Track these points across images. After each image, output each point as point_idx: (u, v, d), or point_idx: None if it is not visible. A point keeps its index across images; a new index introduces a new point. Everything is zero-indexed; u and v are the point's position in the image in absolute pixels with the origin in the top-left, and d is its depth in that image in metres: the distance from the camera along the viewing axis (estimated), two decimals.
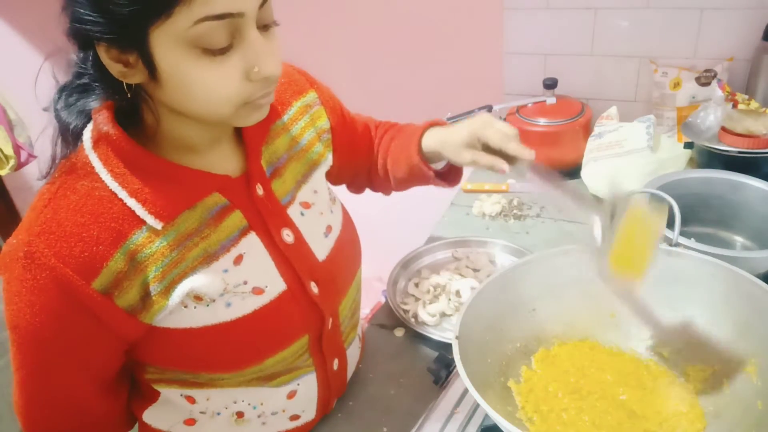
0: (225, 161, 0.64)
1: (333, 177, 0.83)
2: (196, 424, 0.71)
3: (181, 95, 0.53)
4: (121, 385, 0.69)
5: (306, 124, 0.73)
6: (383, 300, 1.00)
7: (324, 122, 0.76)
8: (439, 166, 0.83)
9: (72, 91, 0.58)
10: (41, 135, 0.59)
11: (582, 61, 1.40)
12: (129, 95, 0.55)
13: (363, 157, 0.88)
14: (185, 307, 0.59)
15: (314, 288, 0.68)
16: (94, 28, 0.49)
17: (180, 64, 0.50)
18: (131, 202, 0.56)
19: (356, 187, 0.95)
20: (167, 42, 0.49)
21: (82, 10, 0.49)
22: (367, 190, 0.96)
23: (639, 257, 0.63)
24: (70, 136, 0.58)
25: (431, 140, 0.80)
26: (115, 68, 0.52)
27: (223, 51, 0.51)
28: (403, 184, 0.87)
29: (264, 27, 0.54)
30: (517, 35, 1.44)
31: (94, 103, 0.58)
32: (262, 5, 0.52)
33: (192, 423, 0.71)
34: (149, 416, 0.71)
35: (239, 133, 0.66)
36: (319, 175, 0.74)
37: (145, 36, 0.49)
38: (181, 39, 0.49)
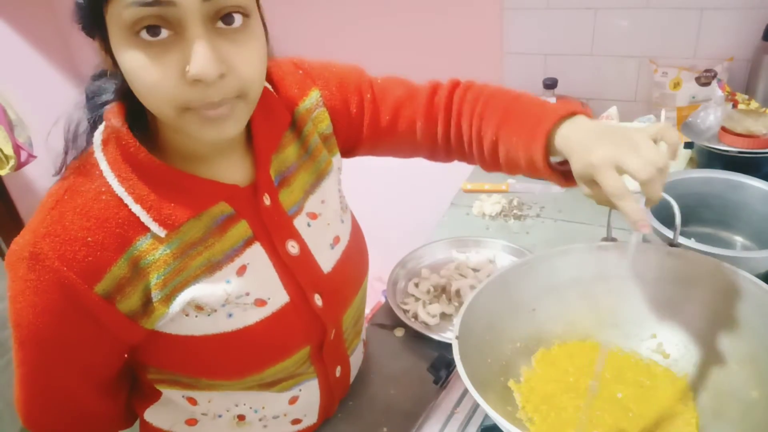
0: (233, 170, 0.63)
1: (381, 154, 0.78)
2: (197, 425, 0.71)
3: (133, 89, 0.52)
4: (121, 385, 0.69)
5: (310, 130, 0.70)
6: (383, 300, 1.00)
7: (326, 126, 0.72)
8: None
9: (100, 78, 0.60)
10: (52, 128, 0.59)
11: (582, 61, 1.41)
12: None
13: (404, 135, 0.75)
14: (186, 315, 0.59)
15: (318, 300, 0.67)
16: (76, 14, 0.51)
17: (123, 53, 0.49)
18: (136, 209, 0.55)
19: (436, 158, 0.79)
20: (113, 26, 0.49)
21: None
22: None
23: None
24: (87, 130, 0.59)
25: (562, 141, 0.61)
26: (102, 58, 0.53)
27: (162, 45, 0.48)
28: (516, 169, 0.70)
29: (226, 19, 0.49)
30: (517, 35, 1.44)
31: (107, 96, 0.59)
32: None
33: (193, 423, 0.71)
34: (150, 415, 0.71)
35: (249, 142, 0.65)
36: (328, 184, 0.72)
37: (102, 21, 0.50)
38: (120, 24, 0.48)
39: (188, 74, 0.48)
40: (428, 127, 0.74)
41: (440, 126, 0.74)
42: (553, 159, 0.64)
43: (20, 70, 1.89)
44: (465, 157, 0.76)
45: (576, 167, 0.58)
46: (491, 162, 0.72)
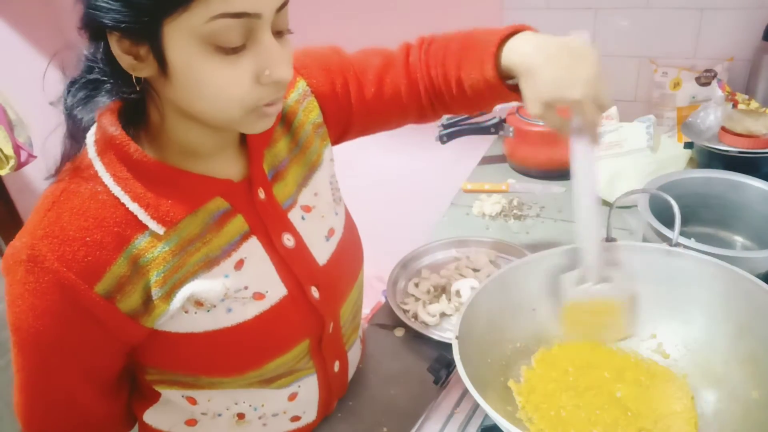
0: (227, 165, 0.63)
1: (373, 130, 0.80)
2: (197, 425, 0.71)
3: (189, 93, 0.52)
4: (121, 387, 0.69)
5: (301, 122, 0.71)
6: (383, 300, 1.00)
7: (317, 116, 0.73)
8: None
9: (82, 85, 0.58)
10: (51, 133, 0.59)
11: None
12: (139, 90, 0.54)
13: (391, 101, 0.77)
14: (186, 312, 0.59)
15: (315, 293, 0.68)
16: (108, 16, 0.48)
17: (191, 60, 0.50)
18: (134, 207, 0.55)
19: (422, 118, 0.82)
20: (181, 36, 0.49)
21: None
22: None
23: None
24: (78, 133, 0.58)
25: (520, 58, 0.65)
26: (125, 60, 0.51)
27: (235, 51, 0.50)
28: (470, 105, 0.76)
29: (278, 33, 0.54)
30: None
31: (103, 98, 0.57)
32: (279, 9, 0.52)
33: (193, 423, 0.71)
34: (150, 417, 0.71)
35: (242, 137, 0.66)
36: (320, 176, 0.73)
37: (158, 28, 0.48)
38: (195, 34, 0.48)
39: (270, 77, 0.52)
40: (411, 88, 0.77)
41: (421, 84, 0.76)
42: (512, 82, 0.68)
43: (20, 71, 1.89)
44: (447, 107, 0.78)
45: (546, 96, 0.62)
46: (463, 100, 0.75)
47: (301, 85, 0.72)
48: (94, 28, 0.51)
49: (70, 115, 0.58)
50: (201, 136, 0.59)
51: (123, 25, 0.48)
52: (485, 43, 0.68)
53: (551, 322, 0.73)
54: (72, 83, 0.58)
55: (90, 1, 0.49)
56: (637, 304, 0.71)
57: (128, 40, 0.50)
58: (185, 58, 0.50)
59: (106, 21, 0.49)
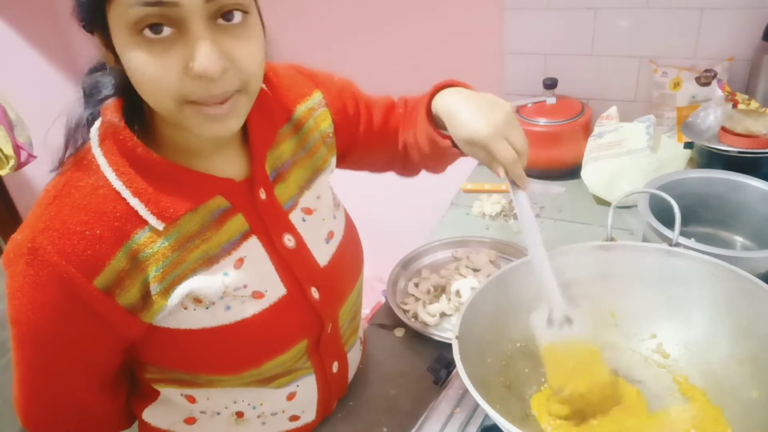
0: (229, 164, 0.64)
1: (363, 165, 0.85)
2: (195, 423, 0.71)
3: (134, 84, 0.53)
4: (120, 384, 0.69)
5: (310, 128, 0.72)
6: (383, 300, 1.00)
7: (328, 126, 0.75)
8: None
9: (90, 80, 0.60)
10: (50, 128, 0.59)
11: (582, 61, 1.41)
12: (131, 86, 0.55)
13: (390, 143, 0.83)
14: (185, 308, 0.59)
15: (315, 293, 0.68)
16: (77, 11, 0.52)
17: (125, 49, 0.50)
18: (134, 202, 0.56)
19: (405, 170, 0.88)
20: (116, 25, 0.50)
21: None
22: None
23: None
24: (82, 127, 0.59)
25: (441, 104, 0.72)
26: (102, 53, 0.54)
27: (165, 41, 0.49)
28: (431, 160, 0.81)
29: (226, 16, 0.51)
30: (517, 35, 1.44)
31: (106, 90, 0.59)
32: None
33: (192, 422, 0.71)
34: (149, 415, 0.71)
35: (245, 137, 0.66)
36: (323, 180, 0.73)
37: (104, 18, 0.50)
38: (124, 23, 0.49)
39: (193, 70, 0.49)
40: (405, 137, 0.82)
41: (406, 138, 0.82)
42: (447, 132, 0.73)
43: (20, 70, 1.89)
44: (416, 165, 0.85)
45: (464, 134, 0.68)
46: (423, 157, 0.80)
47: (317, 95, 0.74)
48: (82, 24, 0.54)
49: (84, 103, 0.60)
50: (186, 133, 0.58)
51: (82, 17, 0.52)
52: (424, 98, 0.76)
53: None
54: (92, 70, 0.61)
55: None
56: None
57: (97, 33, 0.53)
58: (122, 47, 0.51)
59: (78, 16, 0.52)
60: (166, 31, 0.49)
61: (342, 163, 0.81)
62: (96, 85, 0.60)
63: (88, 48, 0.57)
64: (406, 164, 0.86)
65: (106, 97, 0.59)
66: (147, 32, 0.49)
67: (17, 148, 1.63)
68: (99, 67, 0.60)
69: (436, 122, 0.75)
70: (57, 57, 1.98)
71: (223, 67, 0.50)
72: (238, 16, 0.51)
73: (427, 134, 0.75)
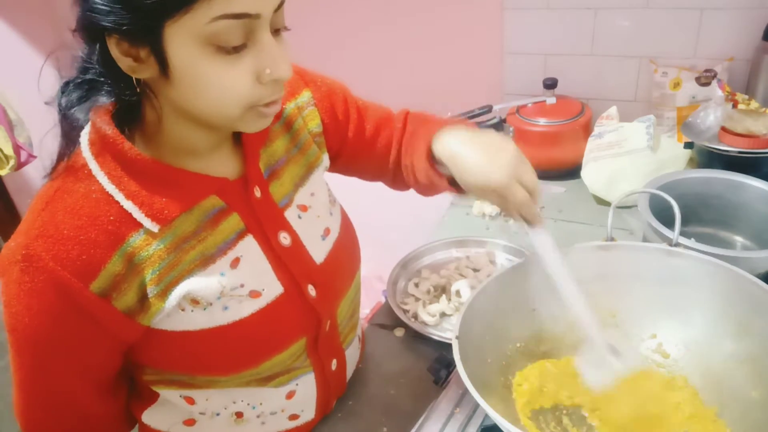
0: (223, 163, 0.64)
1: (352, 172, 0.84)
2: (195, 425, 0.71)
3: (191, 93, 0.52)
4: (120, 387, 0.68)
5: (300, 126, 0.73)
6: (383, 300, 1.00)
7: (316, 125, 0.74)
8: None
9: (77, 86, 0.57)
10: (48, 133, 0.58)
11: (582, 61, 1.40)
12: (138, 91, 0.54)
13: (380, 154, 0.82)
14: (182, 310, 0.59)
15: (312, 291, 0.68)
16: (107, 18, 0.48)
17: (193, 61, 0.50)
18: (128, 205, 0.55)
19: (395, 185, 0.87)
20: (182, 37, 0.49)
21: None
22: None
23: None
24: (73, 133, 0.58)
25: (444, 148, 0.70)
26: (124, 62, 0.51)
27: (236, 50, 0.51)
28: (425, 190, 0.81)
29: (275, 31, 0.54)
30: (517, 35, 1.44)
31: (103, 98, 0.57)
32: (277, 9, 0.52)
33: (191, 423, 0.71)
34: (148, 417, 0.71)
35: (238, 136, 0.66)
36: (317, 177, 0.74)
37: (160, 29, 0.48)
38: (197, 35, 0.48)
39: (270, 76, 0.53)
40: (396, 152, 0.81)
41: (400, 154, 0.81)
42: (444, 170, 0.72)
43: (20, 71, 1.89)
44: (407, 185, 0.83)
45: (476, 182, 0.66)
46: (413, 184, 0.80)
47: (306, 94, 0.74)
48: (91, 30, 0.51)
49: (64, 115, 0.58)
50: (197, 134, 0.59)
51: (124, 27, 0.48)
52: (426, 133, 0.74)
53: (551, 322, 0.73)
54: (66, 84, 0.58)
55: (89, 3, 0.49)
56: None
57: (127, 42, 0.50)
58: (187, 58, 0.50)
59: (106, 23, 0.48)
60: (240, 41, 0.50)
61: (334, 164, 0.81)
62: (84, 92, 0.58)
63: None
64: (396, 180, 0.85)
65: (96, 101, 0.58)
66: (222, 43, 0.49)
67: (17, 148, 1.64)
68: (81, 73, 0.57)
69: (436, 160, 0.73)
70: (57, 57, 1.98)
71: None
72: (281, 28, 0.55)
73: (427, 175, 0.73)
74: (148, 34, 0.49)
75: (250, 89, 0.53)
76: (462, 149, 0.68)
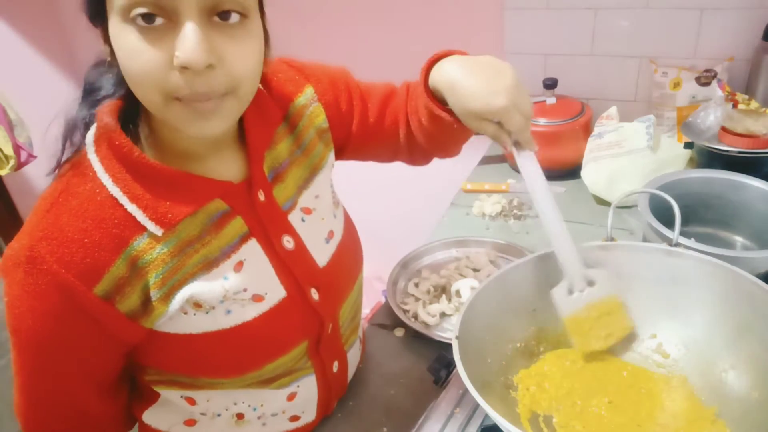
0: (227, 167, 0.63)
1: (366, 157, 0.83)
2: (196, 425, 0.71)
3: (125, 76, 0.52)
4: (121, 387, 0.69)
5: (305, 125, 0.72)
6: (383, 300, 1.00)
7: (322, 121, 0.73)
8: None
9: (98, 72, 0.60)
10: (48, 129, 0.59)
11: (582, 61, 1.41)
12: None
13: (390, 132, 0.80)
14: (185, 313, 0.59)
15: (314, 294, 0.67)
16: (84, 3, 0.52)
17: (118, 39, 0.50)
18: (132, 208, 0.55)
19: (413, 158, 0.85)
20: (114, 16, 0.50)
21: None
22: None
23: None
24: (78, 132, 0.58)
25: (442, 77, 0.68)
26: (104, 50, 0.53)
27: (156, 31, 0.48)
28: (437, 141, 0.77)
29: (222, 15, 0.50)
30: (517, 35, 1.44)
31: (105, 90, 0.59)
32: None
33: (192, 424, 0.71)
34: (149, 417, 0.71)
35: (242, 138, 0.65)
36: (322, 178, 0.73)
37: (104, 10, 0.50)
38: (116, 10, 0.49)
39: (176, 60, 0.48)
40: (407, 123, 0.79)
41: (410, 121, 0.79)
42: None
43: (20, 70, 1.89)
44: (424, 150, 0.81)
45: (474, 108, 0.64)
46: (430, 139, 0.77)
47: (309, 91, 0.73)
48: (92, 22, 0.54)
49: (83, 104, 0.59)
50: (181, 135, 0.58)
51: (86, 7, 0.52)
52: (421, 71, 0.72)
53: (551, 322, 0.72)
54: (96, 65, 0.60)
55: None
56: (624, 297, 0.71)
57: (99, 25, 0.52)
58: (115, 37, 0.50)
59: (84, 9, 0.52)
60: (158, 20, 0.48)
61: (342, 155, 0.80)
62: (96, 84, 0.59)
63: (89, 48, 0.56)
64: (412, 152, 0.82)
65: (105, 98, 0.58)
66: (139, 20, 0.48)
67: (17, 148, 1.63)
68: (101, 62, 0.59)
69: (436, 97, 0.71)
70: (57, 57, 1.98)
71: (208, 61, 0.48)
72: (235, 17, 0.51)
73: (427, 109, 0.71)
74: (99, 14, 0.51)
75: (164, 73, 0.49)
76: (460, 75, 0.66)
